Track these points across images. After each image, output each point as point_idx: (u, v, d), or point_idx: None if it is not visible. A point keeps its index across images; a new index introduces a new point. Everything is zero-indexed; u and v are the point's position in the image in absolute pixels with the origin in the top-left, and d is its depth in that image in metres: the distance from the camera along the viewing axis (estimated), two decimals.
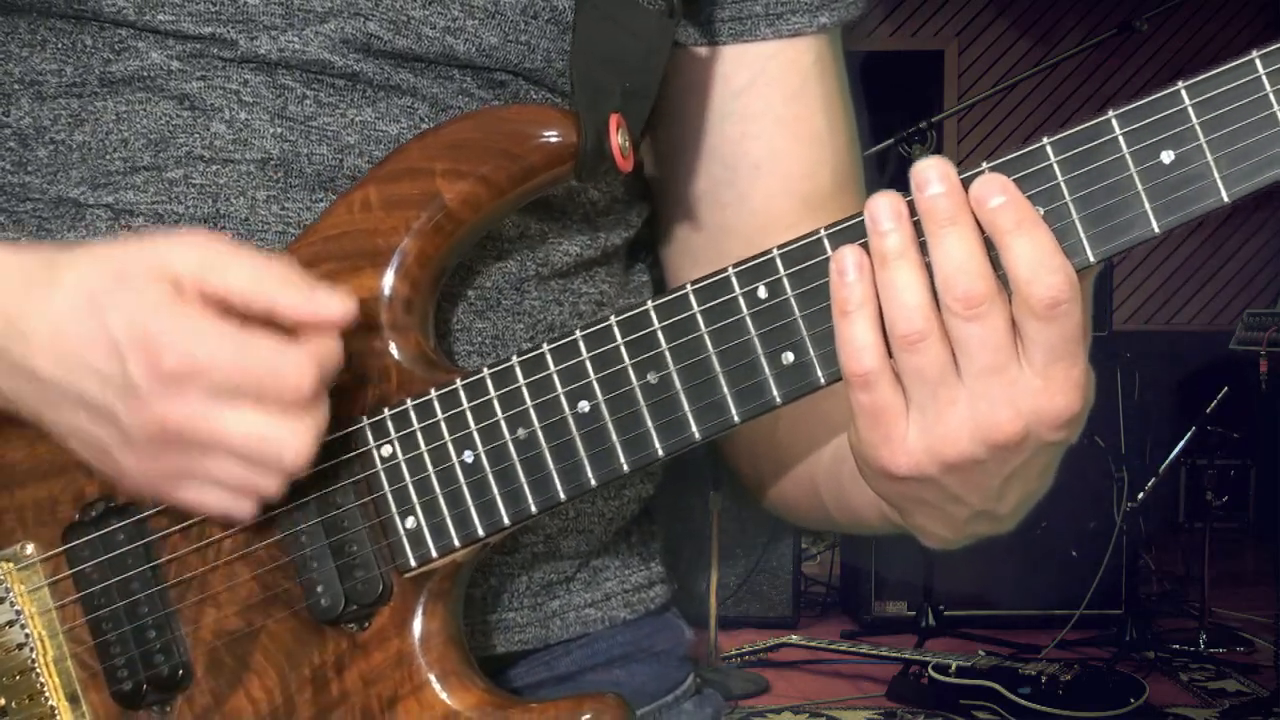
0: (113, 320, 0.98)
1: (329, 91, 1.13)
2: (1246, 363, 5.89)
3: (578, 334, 1.05)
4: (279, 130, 1.13)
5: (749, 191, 1.29)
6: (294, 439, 1.00)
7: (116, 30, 1.13)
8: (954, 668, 5.56)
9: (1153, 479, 6.43)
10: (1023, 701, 5.38)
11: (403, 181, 1.09)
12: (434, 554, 1.07)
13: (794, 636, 6.29)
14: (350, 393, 1.08)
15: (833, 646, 6.13)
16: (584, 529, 1.25)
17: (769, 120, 1.28)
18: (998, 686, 5.43)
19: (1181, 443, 6.44)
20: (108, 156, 1.14)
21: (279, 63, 1.12)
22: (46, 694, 1.11)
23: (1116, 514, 6.31)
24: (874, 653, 6.01)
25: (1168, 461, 6.49)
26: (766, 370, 1.02)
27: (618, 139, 1.10)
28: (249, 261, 1.00)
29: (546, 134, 1.08)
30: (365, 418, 1.08)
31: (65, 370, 1.00)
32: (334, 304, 1.00)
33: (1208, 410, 6.40)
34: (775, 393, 1.02)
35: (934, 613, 6.42)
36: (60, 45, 1.14)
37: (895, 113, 6.17)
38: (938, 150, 7.28)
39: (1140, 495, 6.36)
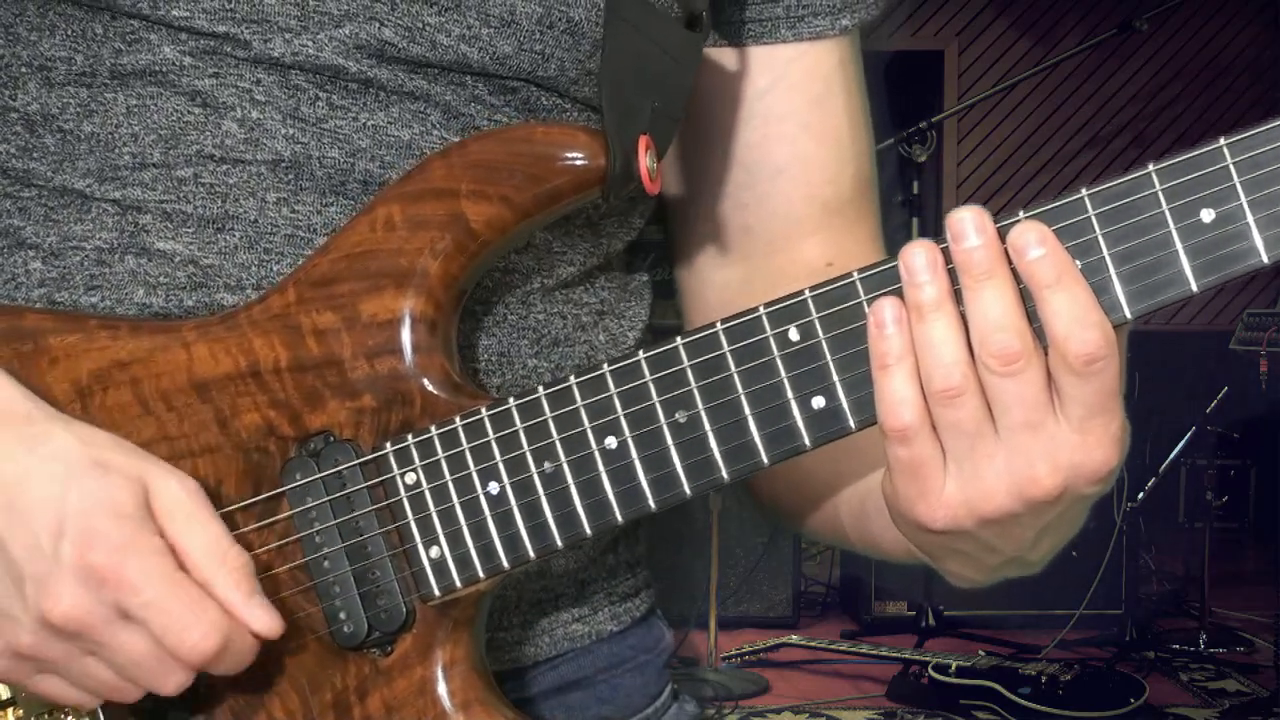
0: (73, 500, 1.00)
1: (342, 94, 1.12)
2: (1246, 363, 5.89)
3: (606, 368, 1.04)
4: (291, 131, 1.12)
5: (769, 194, 1.29)
6: (171, 678, 1.02)
7: (129, 21, 1.11)
8: (954, 668, 5.56)
9: (1153, 479, 6.43)
10: (1023, 701, 5.37)
11: (427, 201, 1.08)
12: (458, 584, 1.07)
13: (794, 636, 6.29)
14: (374, 416, 1.08)
15: (833, 646, 6.13)
16: (576, 546, 1.24)
17: (792, 124, 1.28)
18: (998, 686, 5.43)
19: (1181, 443, 6.44)
20: (117, 150, 1.13)
21: (292, 65, 1.11)
22: (65, 707, 1.10)
23: (1116, 514, 6.30)
24: (874, 653, 6.01)
25: (1168, 461, 6.49)
26: (797, 414, 1.01)
27: (646, 161, 1.09)
28: (216, 530, 1.03)
29: (574, 157, 1.07)
30: (389, 443, 1.07)
31: (5, 518, 1.01)
32: (260, 619, 1.03)
33: (1208, 410, 6.41)
34: (805, 437, 1.01)
35: (934, 613, 6.41)
36: (70, 32, 1.12)
37: (895, 113, 6.15)
38: (938, 150, 7.27)
39: (1140, 495, 6.36)
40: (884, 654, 5.98)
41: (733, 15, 1.26)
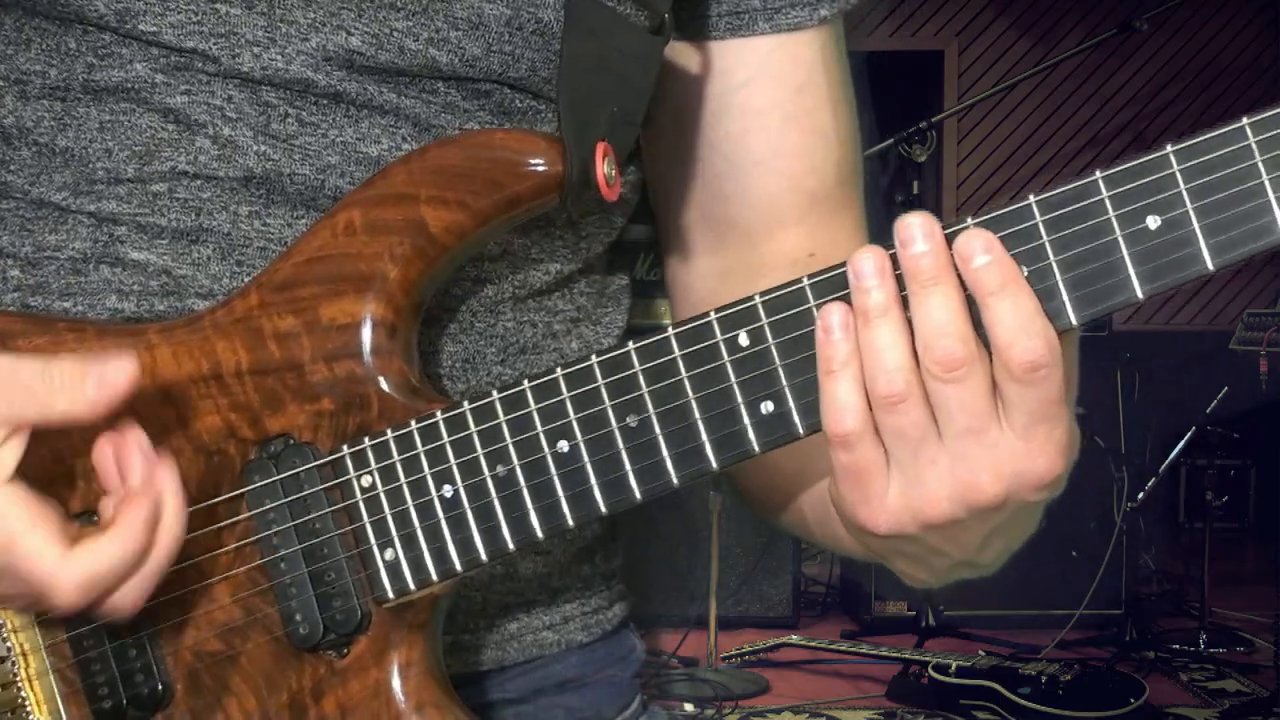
0: None
1: (311, 110, 1.13)
2: (1246, 363, 5.89)
3: (559, 372, 1.04)
4: (262, 149, 1.13)
5: (751, 185, 1.28)
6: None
7: (100, 35, 1.12)
8: (954, 668, 5.56)
9: (1153, 479, 6.42)
10: (1023, 701, 5.37)
11: (387, 206, 1.08)
12: (412, 587, 1.07)
13: (794, 636, 6.28)
14: (333, 419, 1.09)
15: (833, 646, 6.12)
16: (543, 550, 1.24)
17: (774, 117, 1.27)
18: (998, 686, 5.42)
19: (1181, 443, 6.44)
20: (91, 165, 1.13)
21: (262, 80, 1.12)
22: (29, 708, 1.11)
23: (1116, 514, 6.30)
24: (874, 653, 6.00)
25: (1168, 461, 6.48)
26: (745, 419, 1.01)
27: (603, 168, 1.09)
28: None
29: (532, 163, 1.07)
30: (346, 446, 1.08)
31: None
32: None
33: (1208, 410, 6.40)
34: (754, 442, 1.01)
35: (934, 613, 6.41)
36: (45, 46, 1.14)
37: (895, 113, 6.16)
38: (938, 150, 7.28)
39: (1140, 495, 6.35)
40: (884, 654, 5.97)
41: (709, 9, 1.25)
